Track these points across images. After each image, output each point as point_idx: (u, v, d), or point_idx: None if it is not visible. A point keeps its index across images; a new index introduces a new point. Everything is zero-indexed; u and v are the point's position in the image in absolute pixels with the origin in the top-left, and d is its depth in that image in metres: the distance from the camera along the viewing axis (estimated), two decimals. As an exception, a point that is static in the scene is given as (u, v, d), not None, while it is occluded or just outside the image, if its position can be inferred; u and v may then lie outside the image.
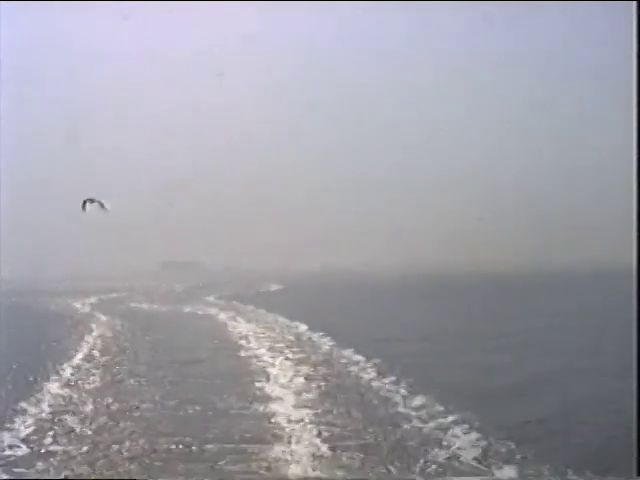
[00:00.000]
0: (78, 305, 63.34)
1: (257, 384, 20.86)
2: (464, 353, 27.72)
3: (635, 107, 13.01)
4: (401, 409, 16.97)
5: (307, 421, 16.07)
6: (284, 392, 19.41)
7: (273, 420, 16.29)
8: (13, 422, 16.57)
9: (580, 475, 11.59)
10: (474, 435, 14.23)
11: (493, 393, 19.46)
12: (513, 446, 13.33)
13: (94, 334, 36.17)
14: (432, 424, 15.34)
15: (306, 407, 17.48)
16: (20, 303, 69.32)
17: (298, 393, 19.21)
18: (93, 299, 70.86)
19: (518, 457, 12.85)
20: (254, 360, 25.69)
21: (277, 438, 14.71)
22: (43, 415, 17.45)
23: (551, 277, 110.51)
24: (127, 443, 14.61)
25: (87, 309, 57.85)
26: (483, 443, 13.67)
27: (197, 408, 17.99)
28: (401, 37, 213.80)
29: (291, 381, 20.99)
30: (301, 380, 21.08)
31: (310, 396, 18.77)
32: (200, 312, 51.36)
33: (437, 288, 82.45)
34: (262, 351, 27.76)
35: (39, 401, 18.99)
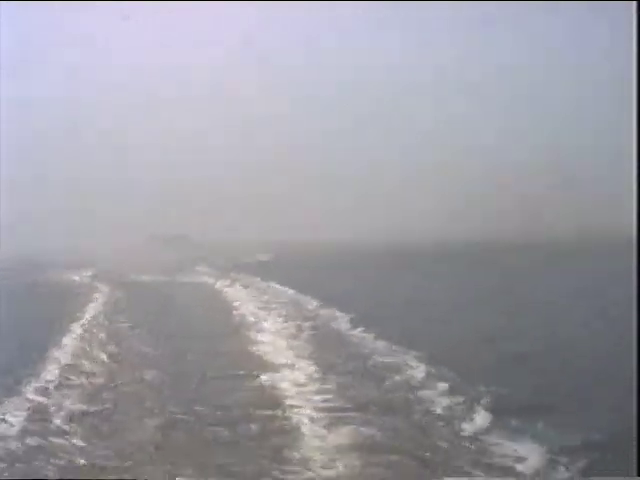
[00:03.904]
0: (76, 277, 66.01)
1: (251, 333, 24.75)
2: (438, 314, 29.37)
3: (635, 107, 13.33)
4: (367, 350, 21.14)
5: (297, 355, 20.25)
6: (276, 338, 23.47)
7: (267, 355, 20.26)
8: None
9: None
10: (423, 366, 18.16)
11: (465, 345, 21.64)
12: (445, 369, 17.21)
13: (97, 302, 38.56)
14: (390, 359, 19.47)
15: (295, 348, 21.60)
16: (19, 276, 71.55)
17: (287, 339, 23.30)
18: (90, 271, 73.41)
19: (452, 373, 16.72)
20: (248, 317, 29.47)
21: (271, 366, 18.66)
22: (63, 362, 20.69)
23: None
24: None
25: (86, 280, 60.35)
26: (429, 368, 17.74)
27: (195, 357, 21.70)
28: (401, 37, 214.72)
29: (282, 330, 25.00)
30: (290, 330, 25.05)
31: (298, 342, 22.78)
32: (195, 280, 54.63)
33: (432, 259, 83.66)
34: (255, 310, 31.54)
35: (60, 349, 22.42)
